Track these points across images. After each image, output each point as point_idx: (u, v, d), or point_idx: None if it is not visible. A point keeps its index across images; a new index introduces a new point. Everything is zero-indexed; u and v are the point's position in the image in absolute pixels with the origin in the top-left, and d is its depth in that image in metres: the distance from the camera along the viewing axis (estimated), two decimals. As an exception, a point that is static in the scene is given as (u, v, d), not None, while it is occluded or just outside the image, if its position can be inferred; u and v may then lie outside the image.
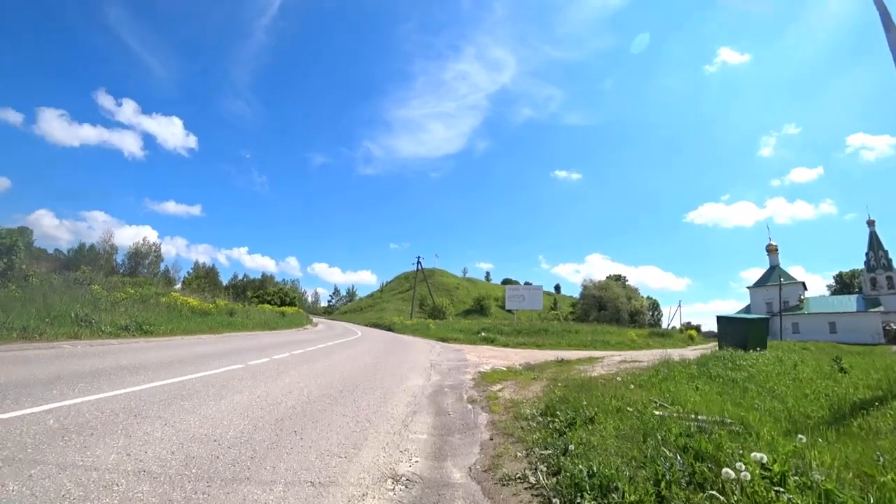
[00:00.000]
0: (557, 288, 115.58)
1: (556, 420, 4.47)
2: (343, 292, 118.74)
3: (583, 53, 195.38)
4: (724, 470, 2.41)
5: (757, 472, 2.55)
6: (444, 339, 25.89)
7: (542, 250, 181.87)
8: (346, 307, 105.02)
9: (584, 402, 4.90)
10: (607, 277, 77.35)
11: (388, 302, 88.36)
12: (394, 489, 2.98)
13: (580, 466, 2.90)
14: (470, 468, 3.48)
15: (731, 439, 3.39)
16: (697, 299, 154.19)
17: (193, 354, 8.75)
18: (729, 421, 4.07)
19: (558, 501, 2.64)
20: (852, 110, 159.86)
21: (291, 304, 50.59)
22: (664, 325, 64.49)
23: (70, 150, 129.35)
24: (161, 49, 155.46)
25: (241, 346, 11.49)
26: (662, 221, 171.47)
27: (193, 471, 2.88)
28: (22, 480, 2.49)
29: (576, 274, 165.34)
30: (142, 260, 63.03)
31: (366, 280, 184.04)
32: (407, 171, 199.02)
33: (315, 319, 47.41)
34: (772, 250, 67.13)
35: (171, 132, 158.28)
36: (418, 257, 66.38)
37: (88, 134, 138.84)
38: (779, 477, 2.56)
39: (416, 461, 3.60)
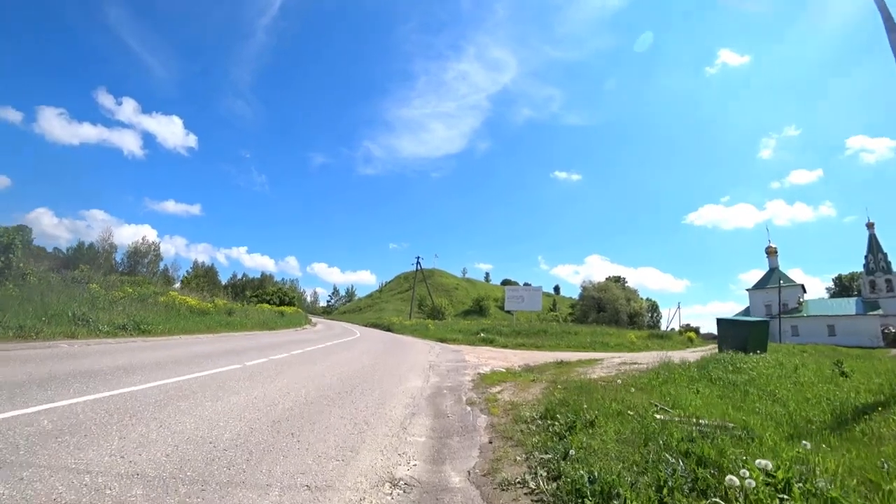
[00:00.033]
0: (556, 289, 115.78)
1: (556, 423, 4.42)
2: (342, 292, 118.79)
3: (583, 54, 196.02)
4: (728, 477, 2.37)
5: (760, 478, 2.51)
6: (443, 340, 25.84)
7: (542, 251, 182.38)
8: (346, 307, 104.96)
9: (585, 406, 4.86)
10: (606, 279, 77.32)
11: (387, 302, 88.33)
12: (391, 493, 2.94)
13: (581, 472, 2.85)
14: (469, 472, 3.43)
15: (733, 444, 3.35)
16: (696, 301, 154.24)
17: (191, 354, 8.70)
18: (731, 425, 4.03)
19: (559, 507, 2.60)
20: (852, 112, 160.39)
21: (290, 303, 50.52)
22: (663, 327, 64.37)
23: (70, 148, 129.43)
24: (161, 48, 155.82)
25: (239, 346, 11.43)
26: (662, 223, 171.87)
27: (188, 474, 2.84)
28: (13, 483, 2.45)
29: (575, 275, 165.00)
30: (141, 259, 63.07)
31: (365, 280, 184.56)
32: (407, 171, 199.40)
33: (314, 319, 47.31)
34: (771, 252, 67.13)
35: (171, 131, 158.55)
36: (417, 258, 66.36)
37: (88, 133, 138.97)
38: (783, 484, 2.52)
39: (415, 465, 3.56)
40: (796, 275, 77.55)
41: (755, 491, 2.35)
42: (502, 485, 3.10)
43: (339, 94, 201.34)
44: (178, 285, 50.54)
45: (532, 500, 2.83)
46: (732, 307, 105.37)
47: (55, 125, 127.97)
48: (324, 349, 13.02)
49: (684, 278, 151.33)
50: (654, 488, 2.59)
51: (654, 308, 78.95)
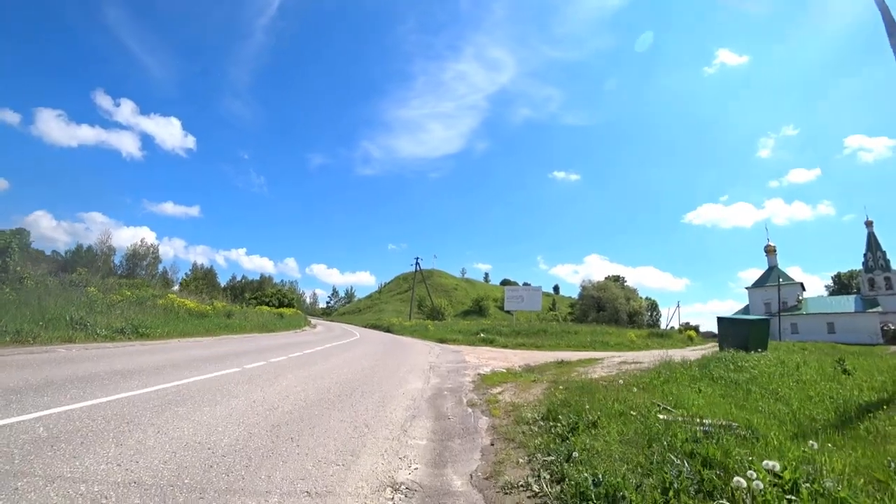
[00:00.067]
0: (556, 289, 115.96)
1: (559, 424, 4.38)
2: (342, 293, 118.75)
3: (581, 54, 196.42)
4: (735, 479, 2.33)
5: (767, 479, 2.47)
6: (442, 341, 25.81)
7: (541, 251, 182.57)
8: (345, 308, 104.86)
9: (587, 406, 4.82)
10: (606, 278, 77.46)
11: (386, 303, 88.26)
12: (393, 499, 2.90)
13: (585, 474, 2.81)
14: (471, 475, 3.39)
15: (738, 444, 3.31)
16: (696, 300, 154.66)
17: (189, 358, 8.64)
18: (735, 425, 3.99)
19: (563, 511, 2.56)
20: (850, 112, 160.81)
21: (290, 305, 50.43)
22: (663, 326, 64.51)
23: (68, 150, 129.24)
24: (159, 49, 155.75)
25: (238, 349, 11.37)
26: (661, 222, 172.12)
27: (186, 481, 2.79)
28: (7, 494, 2.40)
29: (574, 274, 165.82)
30: (140, 261, 62.93)
31: (364, 281, 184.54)
32: (406, 171, 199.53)
33: (313, 321, 47.24)
34: (770, 251, 67.25)
35: (170, 133, 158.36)
36: (416, 258, 66.18)
37: (86, 134, 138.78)
38: (790, 485, 2.48)
39: (416, 468, 3.51)
40: (795, 273, 77.94)
41: (763, 493, 2.31)
42: (505, 488, 3.05)
43: (338, 95, 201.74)
44: (176, 288, 50.41)
45: (536, 504, 2.79)
46: (732, 305, 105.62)
47: (53, 127, 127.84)
48: (323, 351, 12.97)
49: (683, 277, 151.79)
50: (659, 490, 2.56)
51: (653, 307, 79.08)
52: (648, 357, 13.89)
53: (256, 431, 3.98)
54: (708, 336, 48.04)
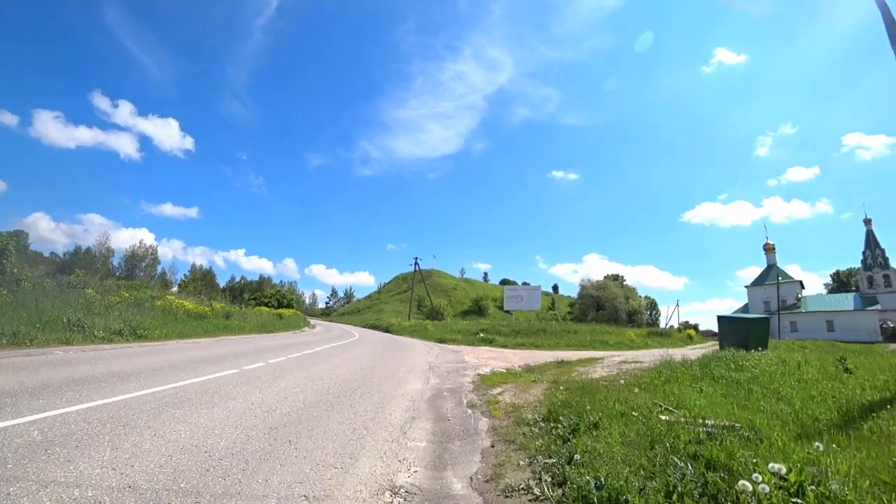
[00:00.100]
0: (555, 288, 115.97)
1: (560, 426, 4.34)
2: (341, 294, 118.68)
3: (580, 54, 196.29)
4: (741, 482, 2.29)
5: (772, 482, 2.44)
6: (442, 341, 25.77)
7: (540, 250, 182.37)
8: (344, 309, 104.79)
9: (588, 407, 4.78)
10: (605, 277, 77.44)
11: (385, 303, 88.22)
12: (392, 502, 2.86)
13: (587, 477, 2.77)
14: (471, 478, 3.35)
15: (742, 446, 3.27)
16: (695, 298, 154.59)
17: (187, 359, 8.59)
18: (738, 425, 3.95)
19: (565, 515, 2.52)
20: (848, 110, 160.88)
21: (289, 306, 50.42)
22: (662, 325, 64.55)
23: (66, 152, 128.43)
24: (158, 50, 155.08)
25: (236, 350, 11.32)
26: (660, 221, 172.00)
27: (182, 485, 2.75)
28: (-1, 499, 2.36)
29: (573, 274, 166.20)
30: (138, 263, 62.81)
31: (363, 281, 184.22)
32: (404, 171, 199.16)
33: (313, 321, 47.18)
34: (769, 249, 67.28)
35: (168, 134, 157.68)
36: (416, 258, 66.18)
37: (84, 136, 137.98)
38: (796, 487, 2.44)
39: (416, 471, 3.47)
40: (794, 271, 77.98)
41: (768, 496, 2.28)
42: (506, 491, 3.01)
43: (337, 95, 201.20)
44: (175, 289, 50.28)
45: (537, 508, 2.75)
46: (731, 304, 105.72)
47: (51, 128, 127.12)
48: (322, 352, 12.92)
49: (682, 276, 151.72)
50: (662, 494, 2.52)
51: (652, 306, 79.03)
52: (648, 356, 13.87)
53: (254, 434, 3.94)
54: (707, 335, 48.08)
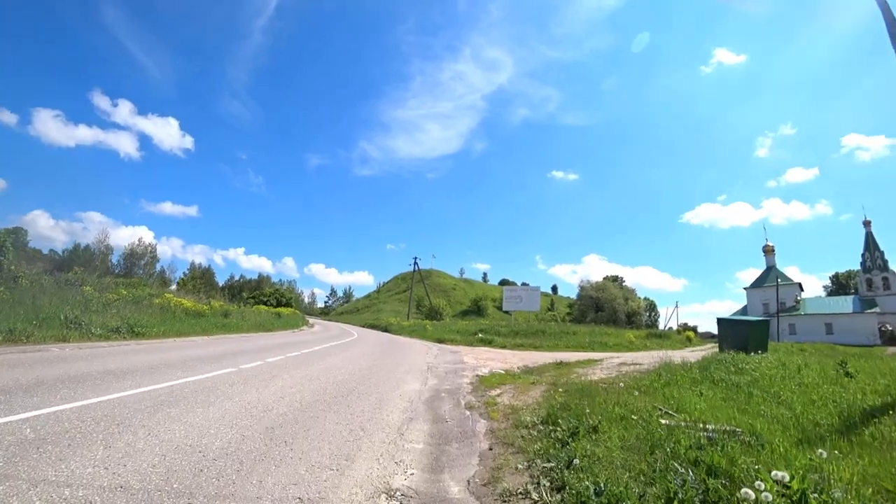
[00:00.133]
0: (554, 289, 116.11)
1: (558, 429, 4.29)
2: (340, 293, 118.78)
3: (579, 54, 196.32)
4: (744, 490, 2.24)
5: (775, 489, 2.39)
6: (441, 341, 25.73)
7: (539, 251, 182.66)
8: (343, 308, 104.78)
9: (587, 410, 4.73)
10: (604, 278, 77.46)
11: (384, 303, 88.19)
12: (388, 506, 2.81)
13: (586, 482, 2.73)
14: (469, 481, 3.30)
15: (743, 452, 3.23)
16: (694, 300, 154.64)
17: (184, 358, 8.54)
18: (739, 430, 3.90)
19: (563, 521, 2.48)
20: (847, 111, 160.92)
21: (288, 305, 50.34)
22: (661, 326, 64.46)
23: (66, 150, 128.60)
24: (157, 49, 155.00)
25: (234, 349, 11.28)
26: (659, 222, 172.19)
27: (174, 486, 2.70)
28: (-14, 499, 2.31)
29: (573, 275, 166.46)
30: (137, 261, 62.82)
31: (363, 281, 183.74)
32: (404, 171, 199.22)
33: (311, 320, 47.12)
34: (768, 251, 67.29)
35: (168, 133, 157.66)
36: (415, 258, 66.12)
37: (84, 135, 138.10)
38: (798, 495, 2.40)
39: (412, 473, 3.43)
40: (793, 273, 77.57)
41: (771, 504, 2.23)
42: (504, 495, 2.97)
43: (336, 95, 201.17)
44: (174, 287, 50.23)
45: (535, 513, 2.70)
46: (730, 306, 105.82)
47: (51, 127, 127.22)
48: (320, 351, 12.87)
49: (682, 277, 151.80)
50: (663, 501, 2.47)
51: (651, 307, 78.96)
52: (648, 358, 13.83)
53: (249, 434, 3.89)
54: (706, 337, 48.11)
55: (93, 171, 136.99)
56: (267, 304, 44.46)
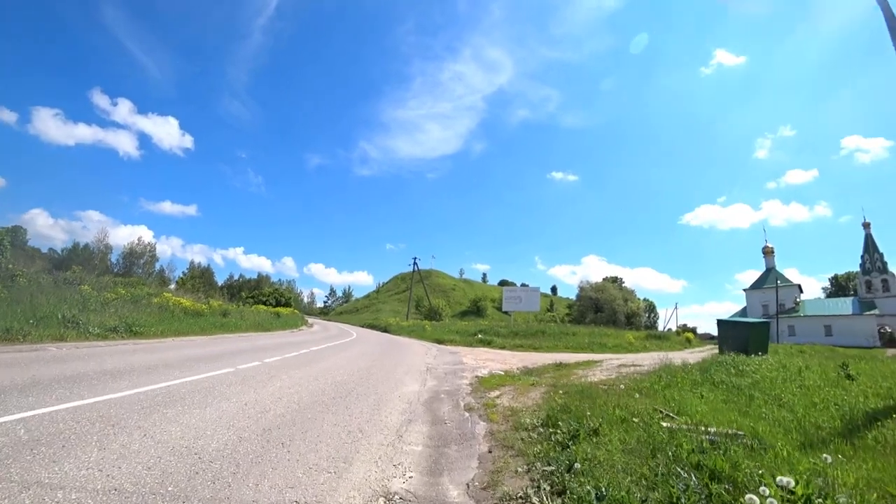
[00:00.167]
0: (554, 289, 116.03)
1: (559, 431, 4.24)
2: (339, 293, 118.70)
3: (579, 55, 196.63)
4: (748, 496, 2.20)
5: (779, 495, 2.35)
6: (440, 341, 25.66)
7: (539, 251, 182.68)
8: (342, 308, 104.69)
9: (588, 412, 4.69)
10: (604, 279, 77.30)
11: (384, 303, 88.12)
12: (386, 510, 2.77)
13: (587, 487, 2.69)
14: (468, 485, 3.26)
15: (746, 456, 3.19)
16: (693, 301, 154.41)
17: (182, 357, 8.49)
18: (741, 434, 3.86)
19: (564, 526, 2.43)
20: (847, 112, 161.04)
21: (287, 304, 50.26)
22: (660, 328, 64.40)
23: (65, 149, 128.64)
24: (157, 49, 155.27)
25: (232, 349, 11.23)
26: (659, 223, 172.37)
27: (169, 489, 2.66)
28: (-24, 503, 2.27)
29: (572, 275, 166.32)
30: (136, 260, 62.70)
31: (362, 281, 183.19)
32: (403, 171, 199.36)
33: (310, 320, 47.04)
34: (768, 252, 67.25)
35: (167, 132, 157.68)
36: (414, 258, 65.99)
37: (83, 133, 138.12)
38: (803, 500, 2.36)
39: (411, 476, 3.38)
40: (792, 275, 77.56)
41: (776, 510, 2.19)
42: (503, 500, 2.92)
43: (336, 95, 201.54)
44: (173, 286, 50.14)
45: (535, 517, 2.66)
46: (729, 307, 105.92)
47: (50, 126, 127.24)
48: (319, 351, 12.82)
49: (681, 278, 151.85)
50: (665, 505, 2.43)
51: (651, 308, 78.85)
52: (647, 359, 13.79)
53: (246, 436, 3.85)
54: (705, 338, 48.10)
55: (92, 169, 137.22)
56: (266, 303, 44.41)
